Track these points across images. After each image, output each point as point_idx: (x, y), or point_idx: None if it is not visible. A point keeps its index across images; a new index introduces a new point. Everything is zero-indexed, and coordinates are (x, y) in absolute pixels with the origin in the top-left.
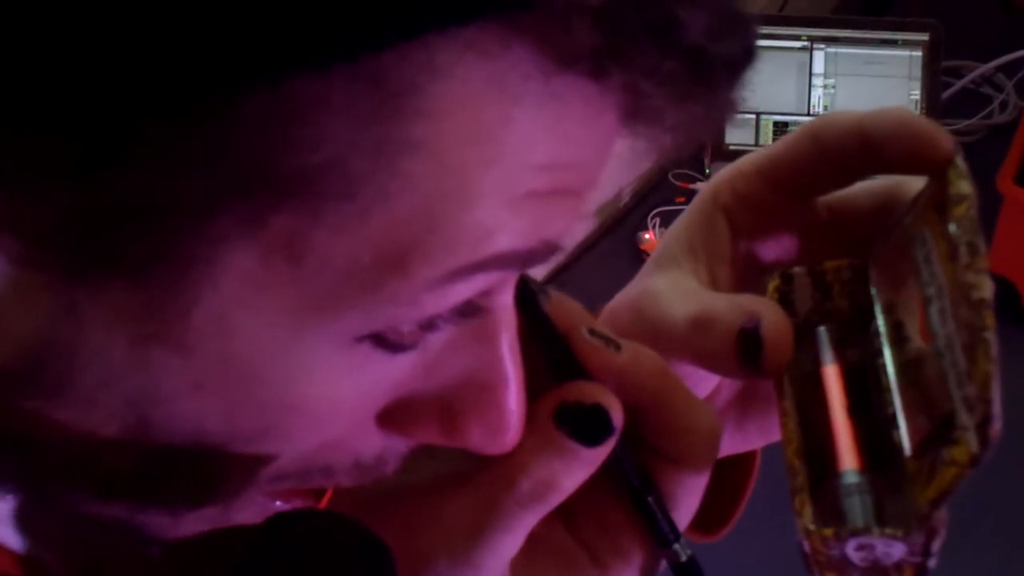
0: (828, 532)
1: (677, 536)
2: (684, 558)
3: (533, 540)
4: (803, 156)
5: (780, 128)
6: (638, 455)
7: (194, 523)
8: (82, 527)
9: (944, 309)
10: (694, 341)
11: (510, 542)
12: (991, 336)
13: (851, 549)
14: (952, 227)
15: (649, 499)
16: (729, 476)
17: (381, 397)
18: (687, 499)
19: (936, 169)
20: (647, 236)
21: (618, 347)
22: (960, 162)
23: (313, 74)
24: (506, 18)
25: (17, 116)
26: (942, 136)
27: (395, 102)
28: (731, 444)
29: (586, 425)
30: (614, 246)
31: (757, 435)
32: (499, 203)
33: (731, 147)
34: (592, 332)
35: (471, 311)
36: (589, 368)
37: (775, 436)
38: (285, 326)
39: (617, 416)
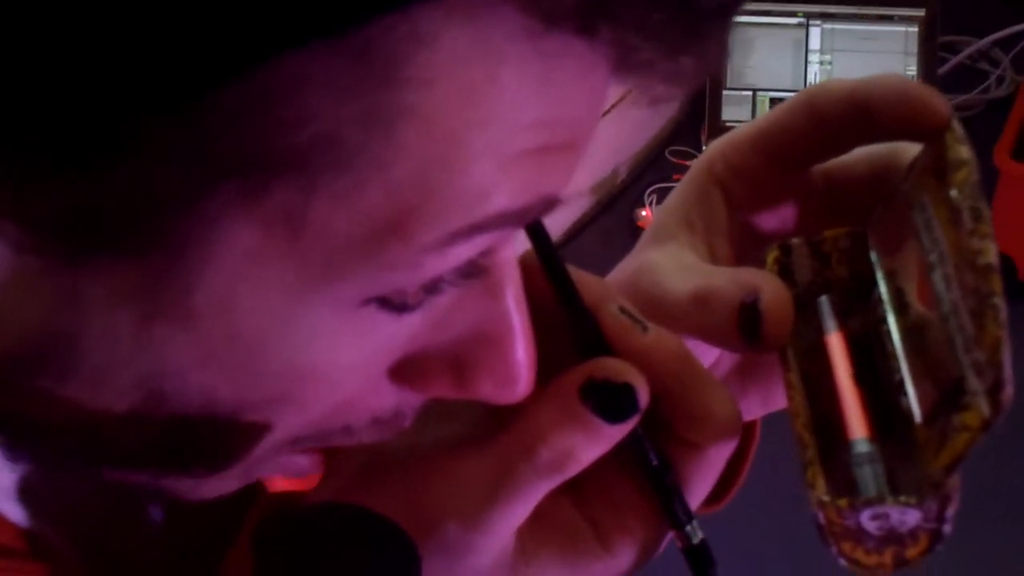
0: (843, 503)
1: (690, 518)
2: (696, 540)
3: (539, 512)
4: (798, 125)
5: (777, 104)
6: (656, 436)
7: (218, 483)
8: (84, 501)
9: (948, 275)
10: (695, 316)
11: (522, 509)
12: (999, 301)
13: (866, 519)
14: (954, 193)
15: (666, 480)
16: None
17: (390, 355)
18: (701, 483)
19: (933, 134)
20: (644, 213)
21: (645, 327)
22: (957, 126)
23: (296, 53)
24: None
25: (13, 109)
26: (938, 101)
27: (382, 72)
28: None
29: (612, 403)
30: (611, 223)
31: (758, 404)
32: (493, 163)
33: (728, 124)
34: (622, 310)
35: (474, 271)
36: (614, 345)
37: (776, 405)
38: (288, 297)
39: (644, 396)
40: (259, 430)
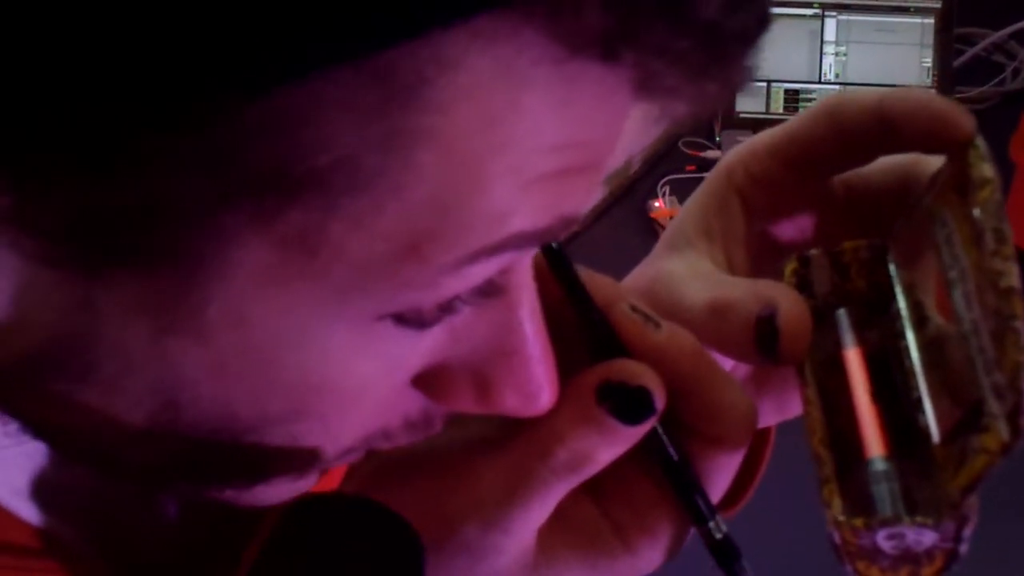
0: (858, 523)
1: (713, 513)
2: (720, 535)
3: (560, 513)
4: (820, 135)
5: (791, 96)
6: (673, 432)
7: (270, 492)
8: (98, 499)
9: (968, 293)
10: (711, 327)
11: (541, 509)
12: (1020, 325)
13: (882, 538)
14: (977, 212)
15: (686, 475)
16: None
17: (408, 368)
18: (719, 479)
19: (956, 149)
20: (657, 204)
21: (657, 325)
22: (981, 143)
23: (315, 77)
24: (514, 5)
25: (25, 121)
26: (962, 116)
27: (403, 96)
28: None
29: (628, 405)
30: (624, 214)
31: (773, 412)
32: (512, 186)
33: (742, 115)
34: (633, 308)
35: (491, 289)
36: (628, 344)
37: (791, 413)
38: (303, 313)
39: (660, 398)
40: (309, 457)
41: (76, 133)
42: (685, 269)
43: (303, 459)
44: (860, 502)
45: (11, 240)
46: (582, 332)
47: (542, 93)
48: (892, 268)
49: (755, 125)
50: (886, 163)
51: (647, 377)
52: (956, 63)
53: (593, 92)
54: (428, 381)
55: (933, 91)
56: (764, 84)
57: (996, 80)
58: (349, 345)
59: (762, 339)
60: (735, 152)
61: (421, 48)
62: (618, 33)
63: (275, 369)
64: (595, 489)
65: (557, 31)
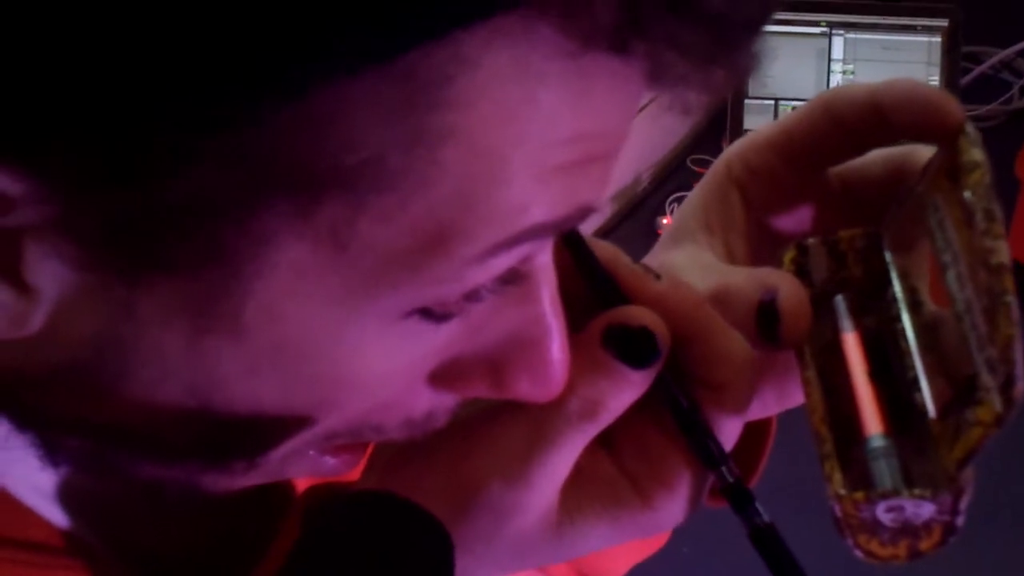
0: (859, 496)
1: (725, 457)
2: (732, 479)
3: (579, 471)
4: (816, 127)
5: None
6: (681, 382)
7: (249, 478)
8: (121, 502)
9: (961, 274)
10: None
11: (560, 461)
12: (1011, 299)
13: (881, 511)
14: (967, 194)
15: (697, 420)
16: (746, 442)
17: (430, 361)
18: (727, 428)
19: (946, 137)
20: (665, 221)
21: (658, 276)
22: (970, 129)
23: (344, 78)
24: (529, 3)
25: (65, 129)
26: (951, 104)
27: (426, 95)
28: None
29: (633, 347)
30: (632, 231)
31: (774, 401)
32: (531, 178)
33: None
34: (634, 262)
35: (513, 278)
36: (631, 295)
37: (792, 402)
38: (334, 310)
39: (663, 339)
40: (299, 425)
41: (116, 139)
42: (687, 260)
43: (295, 439)
44: (860, 477)
45: (53, 247)
46: (590, 293)
47: (557, 87)
48: (887, 255)
49: None
50: (880, 155)
51: (648, 318)
52: (963, 81)
53: (606, 84)
54: (444, 373)
55: (925, 81)
56: (772, 102)
57: (1003, 98)
58: (378, 341)
59: (763, 323)
60: (734, 146)
61: (443, 48)
62: (629, 26)
63: (306, 365)
64: (611, 446)
65: (570, 26)
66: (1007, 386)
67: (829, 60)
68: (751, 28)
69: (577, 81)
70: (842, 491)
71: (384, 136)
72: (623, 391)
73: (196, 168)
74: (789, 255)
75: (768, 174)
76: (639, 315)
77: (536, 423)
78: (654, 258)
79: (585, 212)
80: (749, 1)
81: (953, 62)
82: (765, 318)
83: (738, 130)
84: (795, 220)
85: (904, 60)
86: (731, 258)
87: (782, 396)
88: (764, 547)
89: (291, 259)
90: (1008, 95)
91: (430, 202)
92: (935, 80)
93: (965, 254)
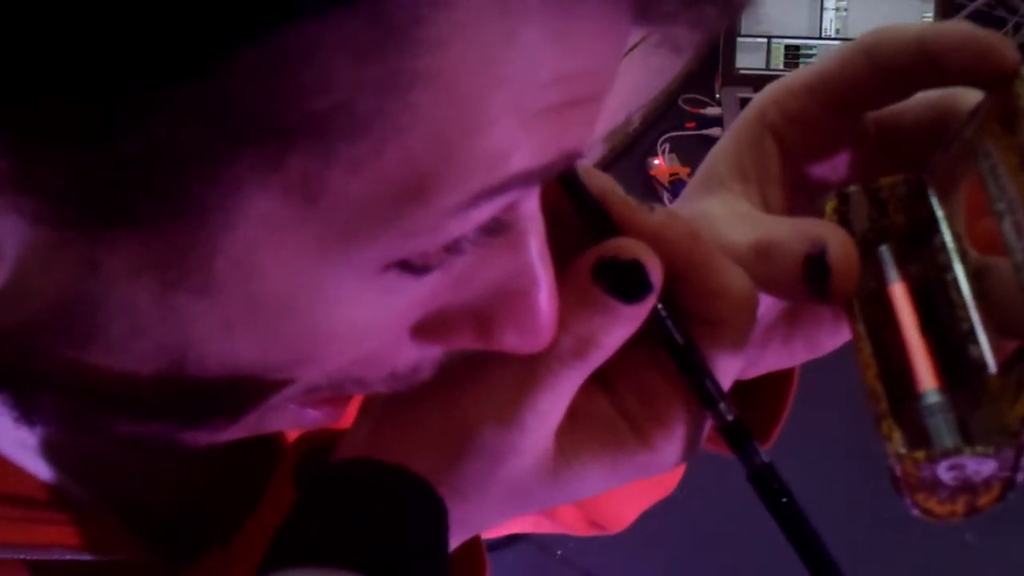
0: (920, 455)
1: (722, 395)
2: (730, 417)
3: (575, 412)
4: (858, 72)
5: (792, 51)
6: (677, 319)
7: (231, 432)
8: (107, 455)
9: (1018, 222)
10: (757, 268)
11: (553, 402)
12: None
13: (943, 470)
14: None
15: (693, 358)
16: (769, 392)
17: (412, 315)
18: (725, 365)
19: (1000, 82)
20: (657, 162)
21: (652, 209)
22: None
23: (310, 20)
24: None
25: (22, 82)
26: (1007, 48)
27: (397, 37)
28: (777, 359)
29: (624, 280)
30: (624, 172)
31: (803, 350)
32: (513, 123)
33: (742, 71)
34: (627, 194)
35: (497, 227)
36: (623, 228)
37: (822, 350)
38: (310, 263)
39: (655, 272)
40: (279, 383)
41: (72, 90)
42: (724, 209)
43: (276, 395)
44: (916, 435)
45: (12, 202)
46: (583, 226)
47: (539, 25)
48: (934, 202)
49: (756, 81)
50: (922, 99)
51: (639, 250)
52: (957, 17)
53: (591, 21)
54: (428, 326)
55: (919, 18)
56: (765, 40)
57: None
58: (357, 294)
59: (812, 277)
60: (768, 91)
61: None
62: None
63: (283, 321)
64: (608, 386)
65: None
66: None
67: None
68: None
69: (560, 18)
70: (903, 450)
71: (354, 80)
72: (615, 327)
73: (158, 119)
74: (831, 204)
75: (805, 119)
76: (630, 247)
77: (526, 364)
78: (685, 205)
79: (571, 157)
80: None
81: None
82: (814, 272)
83: (730, 69)
84: (831, 167)
85: None
86: (767, 207)
87: (811, 344)
88: (763, 487)
89: (261, 211)
90: (1003, 31)
91: (405, 149)
92: (929, 17)
93: (1023, 202)
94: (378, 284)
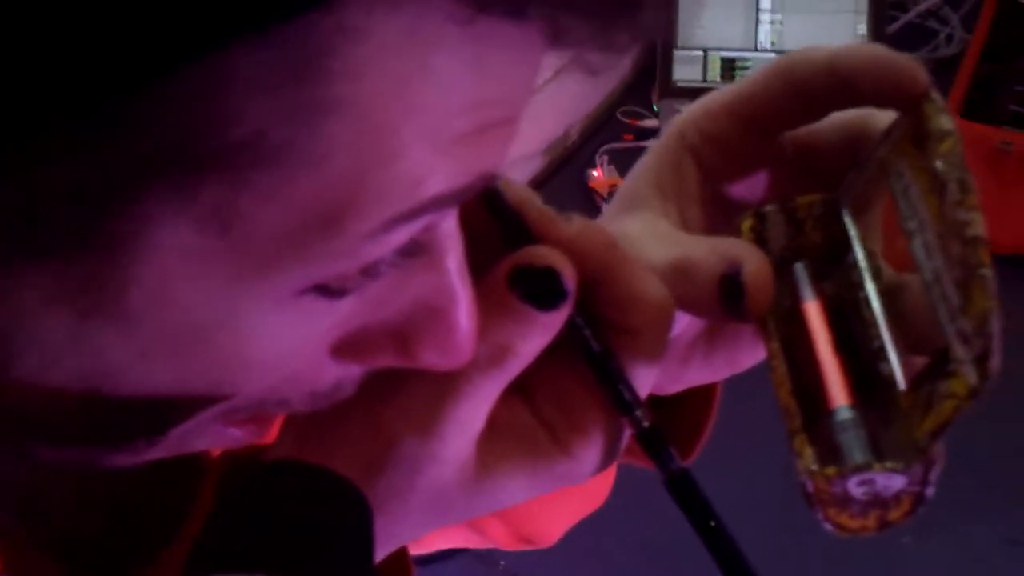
0: (831, 471)
1: (639, 402)
2: (647, 424)
3: (496, 421)
4: (774, 92)
5: (728, 64)
6: (595, 327)
7: (151, 454)
8: (26, 479)
9: (928, 243)
10: (675, 287)
11: (472, 411)
12: (988, 273)
13: (853, 485)
14: (939, 164)
15: (610, 365)
16: (692, 407)
17: (332, 336)
18: (642, 373)
19: (912, 103)
20: (595, 174)
21: (568, 218)
22: (936, 96)
23: (216, 54)
24: None
25: None
26: (917, 70)
27: (308, 68)
28: (700, 375)
29: (538, 287)
30: (563, 184)
31: (725, 365)
32: (428, 150)
33: (679, 84)
34: (544, 203)
35: (414, 249)
36: (540, 237)
37: (742, 366)
38: (226, 291)
39: (569, 279)
40: (199, 405)
41: None
42: (643, 229)
43: (196, 417)
44: (828, 450)
45: None
46: (501, 236)
47: (452, 54)
48: (848, 220)
49: (692, 94)
50: (836, 119)
51: (553, 258)
52: (890, 29)
53: (503, 49)
54: (348, 345)
55: (853, 30)
56: (701, 53)
57: (929, 46)
58: (275, 320)
59: (727, 297)
60: (688, 112)
61: (323, 18)
62: None
63: (201, 347)
64: (528, 395)
65: None
66: (982, 359)
67: (757, 10)
68: None
69: (472, 47)
70: (814, 467)
71: (264, 111)
72: (532, 335)
73: (68, 155)
74: (747, 223)
75: (722, 140)
76: (544, 255)
77: (444, 373)
78: (605, 224)
79: (486, 180)
80: None
81: (880, 11)
82: (729, 292)
83: (667, 81)
84: (750, 186)
85: (832, 10)
86: (685, 225)
87: (733, 361)
88: (679, 493)
89: (174, 242)
90: (935, 43)
91: (319, 178)
92: (862, 29)
93: (934, 223)
94: (295, 308)
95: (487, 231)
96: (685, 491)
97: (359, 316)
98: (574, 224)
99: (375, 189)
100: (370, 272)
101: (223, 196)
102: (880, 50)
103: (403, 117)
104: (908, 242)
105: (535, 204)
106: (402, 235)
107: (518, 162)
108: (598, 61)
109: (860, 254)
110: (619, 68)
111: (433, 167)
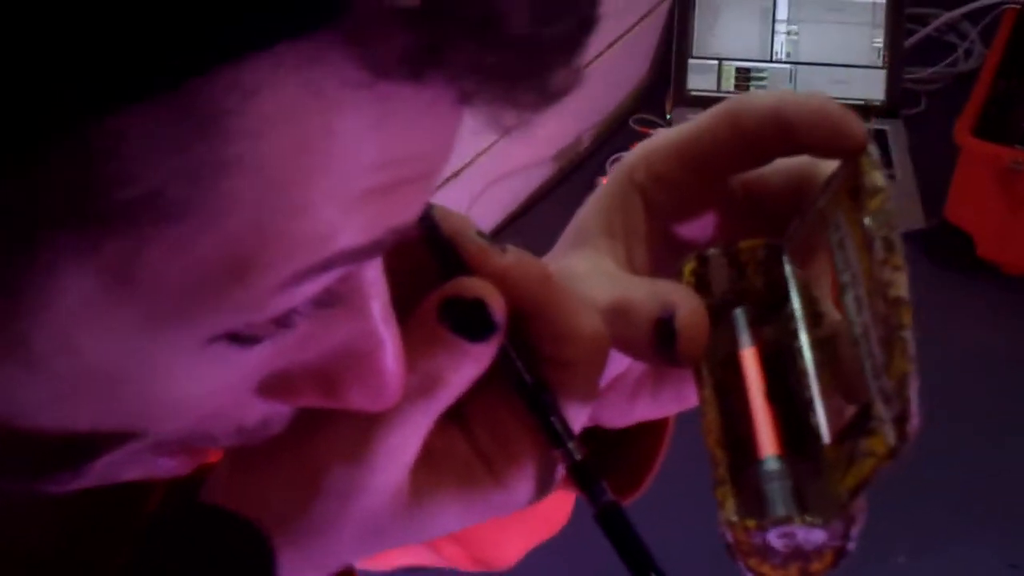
0: (751, 523)
1: (571, 435)
2: (579, 457)
3: (431, 450)
4: (720, 136)
5: (742, 74)
6: (529, 359)
7: (79, 483)
8: None
9: (860, 297)
10: (614, 328)
11: (403, 440)
12: (908, 335)
13: (773, 537)
14: (868, 221)
15: (542, 398)
16: (642, 441)
17: (251, 378)
18: (576, 404)
19: (849, 156)
20: (605, 182)
21: (503, 250)
22: (873, 150)
23: (112, 115)
24: (313, 33)
25: None
26: (855, 123)
27: (204, 127)
28: (647, 411)
29: (468, 319)
30: (572, 191)
31: (672, 402)
32: (334, 207)
33: (693, 92)
34: (479, 234)
35: (329, 300)
36: (474, 268)
37: (690, 403)
38: (136, 338)
39: (499, 311)
40: (120, 440)
41: None
42: (587, 266)
43: (119, 451)
44: (754, 499)
45: None
46: (435, 265)
47: (355, 115)
48: (788, 268)
49: (706, 103)
50: (782, 165)
51: (483, 289)
52: (908, 43)
53: (408, 110)
54: (272, 386)
55: (828, 97)
56: (715, 61)
57: (948, 61)
58: (188, 365)
59: (661, 341)
60: (637, 151)
61: (219, 79)
62: (422, 55)
63: (116, 389)
64: (464, 425)
65: (361, 55)
66: (901, 421)
67: (773, 20)
68: (564, 48)
69: (375, 108)
70: (734, 518)
71: (163, 169)
72: (462, 366)
73: None
74: (689, 266)
75: (671, 181)
76: (473, 286)
77: None
78: (554, 260)
79: (399, 234)
80: (556, 21)
81: (898, 23)
82: (663, 336)
83: (681, 90)
84: (698, 228)
85: (849, 21)
86: (632, 265)
87: (680, 398)
88: (609, 527)
89: (78, 291)
90: (953, 57)
91: (223, 233)
92: (879, 42)
93: (865, 278)
94: (207, 355)
95: (427, 262)
96: (615, 525)
97: (280, 359)
98: (508, 256)
99: (281, 244)
100: (283, 322)
101: (127, 248)
102: (823, 102)
103: (307, 175)
104: (842, 294)
105: (470, 235)
106: (314, 286)
107: (530, 168)
108: (512, 120)
109: (796, 303)
110: (635, 73)
111: (341, 223)
